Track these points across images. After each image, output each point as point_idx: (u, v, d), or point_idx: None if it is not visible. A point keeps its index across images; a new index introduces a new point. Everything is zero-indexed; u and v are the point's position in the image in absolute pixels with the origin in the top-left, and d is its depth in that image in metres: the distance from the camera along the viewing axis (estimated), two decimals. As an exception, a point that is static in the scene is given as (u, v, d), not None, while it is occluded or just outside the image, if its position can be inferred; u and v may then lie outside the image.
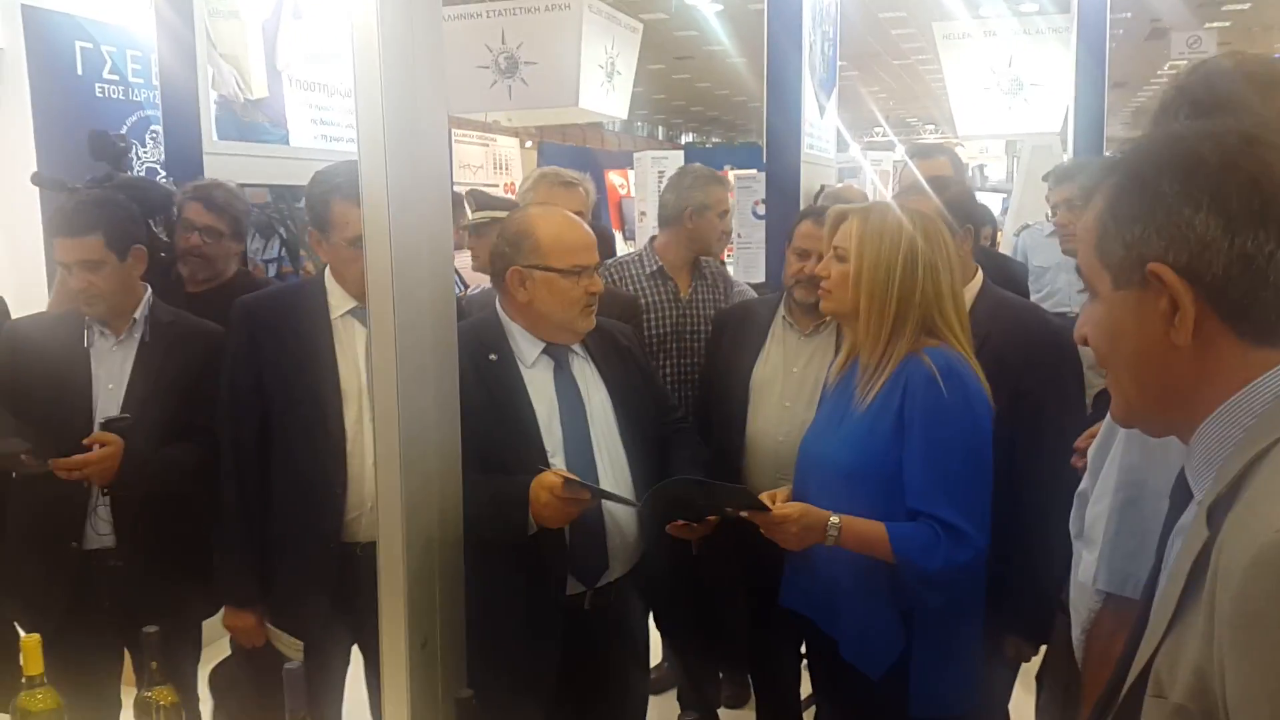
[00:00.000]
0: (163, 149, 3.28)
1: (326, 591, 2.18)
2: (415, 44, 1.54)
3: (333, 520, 2.17)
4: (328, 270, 2.29)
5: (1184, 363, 0.89)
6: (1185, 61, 11.53)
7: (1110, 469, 1.60)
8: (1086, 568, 1.64)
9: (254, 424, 2.21)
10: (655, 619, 2.21)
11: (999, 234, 5.89)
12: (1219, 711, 0.76)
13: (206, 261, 2.73)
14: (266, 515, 2.22)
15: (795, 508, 1.86)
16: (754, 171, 8.11)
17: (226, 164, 3.03)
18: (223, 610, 2.28)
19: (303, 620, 2.20)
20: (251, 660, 2.28)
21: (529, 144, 14.72)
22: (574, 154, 15.38)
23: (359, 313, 2.24)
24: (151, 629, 1.52)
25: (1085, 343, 1.00)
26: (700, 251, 3.21)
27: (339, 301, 2.25)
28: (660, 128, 32.15)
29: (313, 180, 2.27)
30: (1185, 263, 0.86)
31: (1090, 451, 1.69)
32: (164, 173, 3.23)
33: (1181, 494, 0.97)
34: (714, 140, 33.45)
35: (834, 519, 1.84)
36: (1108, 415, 1.63)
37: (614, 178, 12.32)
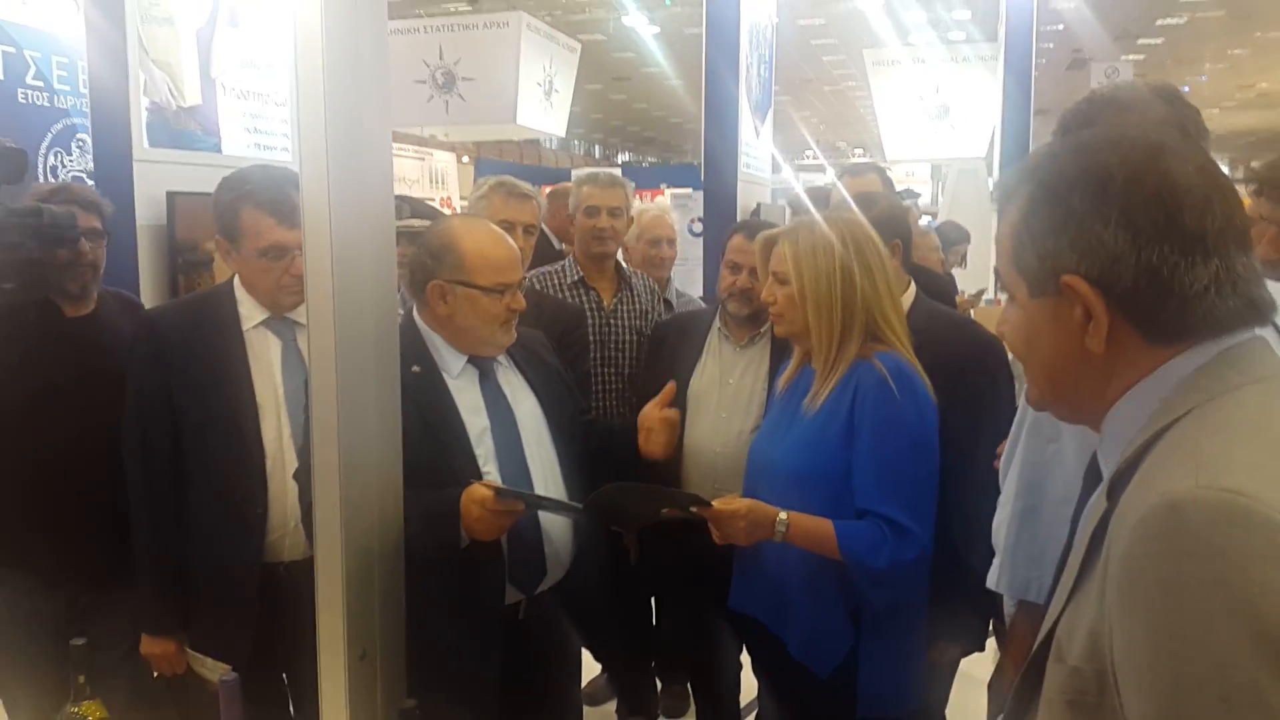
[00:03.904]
0: (90, 157, 3.19)
1: (251, 614, 2.11)
2: (360, 54, 1.53)
3: (255, 541, 2.10)
4: (236, 280, 2.20)
5: (1095, 363, 0.93)
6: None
7: (1011, 477, 1.66)
8: (992, 573, 1.70)
9: (165, 444, 2.11)
10: (579, 629, 2.19)
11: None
12: (1109, 671, 0.80)
13: (96, 271, 2.38)
14: (184, 539, 2.14)
15: (744, 503, 1.90)
16: (689, 190, 8.20)
17: (157, 171, 2.96)
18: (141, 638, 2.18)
19: (228, 645, 2.11)
20: (174, 688, 2.21)
21: (465, 159, 14.66)
22: (511, 170, 15.32)
23: (272, 324, 2.19)
24: (79, 641, 1.47)
25: (1001, 340, 1.06)
26: (585, 254, 3.14)
27: (250, 313, 2.17)
28: (597, 146, 32.30)
29: (221, 185, 2.17)
30: (1097, 275, 0.90)
31: (1001, 463, 1.75)
32: (91, 181, 3.15)
33: (1093, 476, 1.03)
34: (650, 159, 33.69)
35: (782, 515, 1.88)
36: (1014, 425, 1.70)
37: (551, 195, 12.34)
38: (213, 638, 2.15)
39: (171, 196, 2.97)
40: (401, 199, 3.07)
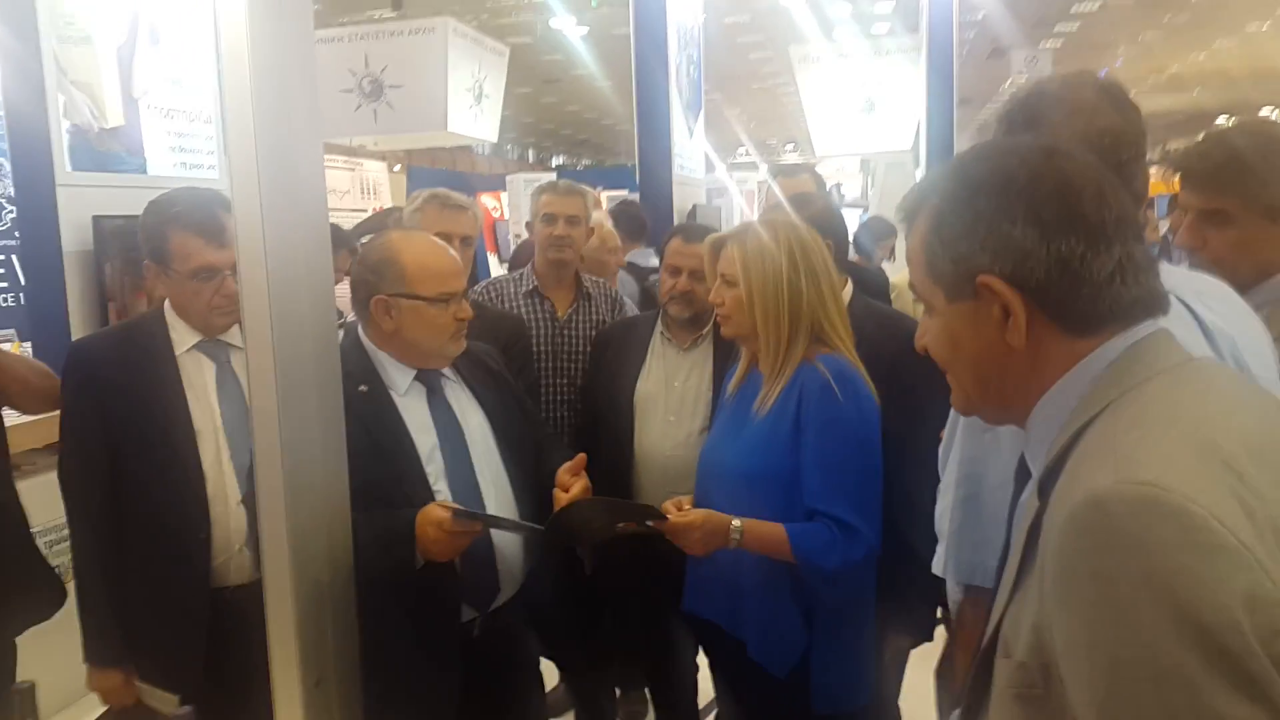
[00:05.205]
0: (9, 182, 3.11)
1: (199, 640, 2.09)
2: (287, 66, 1.51)
3: (199, 566, 2.07)
4: (166, 305, 2.18)
5: (1018, 360, 0.98)
6: (1024, 78, 12.24)
7: (951, 465, 1.70)
8: (937, 559, 1.74)
9: (102, 474, 2.08)
10: (542, 641, 2.18)
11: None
12: (1052, 664, 0.84)
13: None
14: (127, 568, 2.10)
15: (698, 514, 1.91)
16: (625, 192, 8.21)
17: (82, 195, 2.89)
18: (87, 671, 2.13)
19: (177, 673, 2.08)
20: None
21: (397, 168, 14.49)
22: (444, 177, 15.17)
23: (205, 347, 2.17)
24: (25, 684, 1.43)
25: (926, 353, 1.09)
26: (541, 261, 3.12)
27: (182, 337, 2.15)
28: (531, 150, 32.12)
29: (147, 209, 2.15)
30: (1010, 271, 0.95)
31: (940, 451, 1.79)
32: (12, 208, 3.06)
33: (1023, 474, 1.07)
34: (585, 162, 33.63)
35: (736, 523, 1.91)
36: (951, 415, 1.74)
37: (486, 200, 12.24)
38: (161, 667, 2.11)
39: (97, 220, 2.91)
40: (402, 210, 3.03)
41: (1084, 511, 0.80)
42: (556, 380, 3.04)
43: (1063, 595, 0.82)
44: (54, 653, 2.31)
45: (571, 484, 2.01)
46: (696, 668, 2.91)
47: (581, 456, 2.06)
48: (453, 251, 2.06)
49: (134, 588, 2.11)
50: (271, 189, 1.47)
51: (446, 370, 2.07)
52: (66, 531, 2.15)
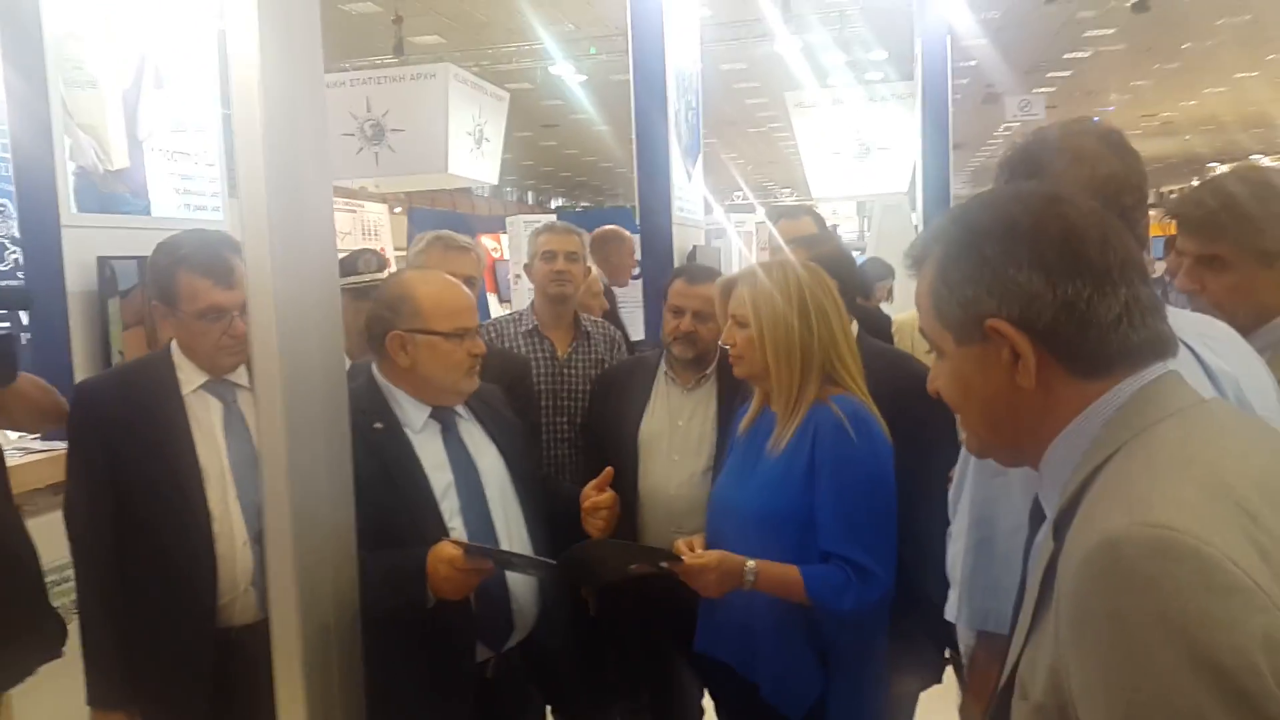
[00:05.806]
0: (14, 223, 3.11)
1: (205, 681, 2.07)
2: (298, 109, 1.52)
3: (205, 606, 2.06)
4: (174, 344, 2.19)
5: (1029, 402, 0.98)
6: (1019, 123, 12.40)
7: (963, 510, 1.69)
8: (950, 605, 1.73)
9: (108, 514, 2.07)
10: (544, 684, 2.16)
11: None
12: (1070, 705, 0.84)
13: None
14: (131, 609, 2.08)
15: (713, 555, 1.90)
16: (625, 234, 8.27)
17: (87, 236, 2.90)
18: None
19: (181, 715, 2.07)
20: None
21: (398, 210, 14.57)
22: (445, 219, 15.23)
23: (211, 387, 2.17)
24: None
25: (938, 396, 1.10)
26: (541, 300, 3.17)
27: (189, 377, 2.16)
28: (530, 192, 32.36)
29: (156, 250, 2.18)
30: (1018, 315, 0.96)
31: (950, 494, 1.78)
32: (15, 249, 3.07)
33: (1038, 515, 1.07)
34: (583, 204, 33.84)
35: (750, 564, 1.90)
36: (960, 457, 1.74)
37: (487, 241, 12.28)
38: (166, 709, 2.09)
39: (102, 261, 2.91)
40: (372, 252, 3.06)
41: (1098, 554, 0.80)
42: (556, 419, 3.05)
43: (1078, 637, 0.82)
44: (58, 696, 2.28)
45: (597, 496, 2.04)
46: (702, 710, 2.88)
47: (608, 470, 2.09)
48: (465, 288, 2.09)
49: (138, 628, 2.09)
50: (282, 231, 1.47)
51: (460, 408, 2.09)
52: (69, 572, 2.14)
